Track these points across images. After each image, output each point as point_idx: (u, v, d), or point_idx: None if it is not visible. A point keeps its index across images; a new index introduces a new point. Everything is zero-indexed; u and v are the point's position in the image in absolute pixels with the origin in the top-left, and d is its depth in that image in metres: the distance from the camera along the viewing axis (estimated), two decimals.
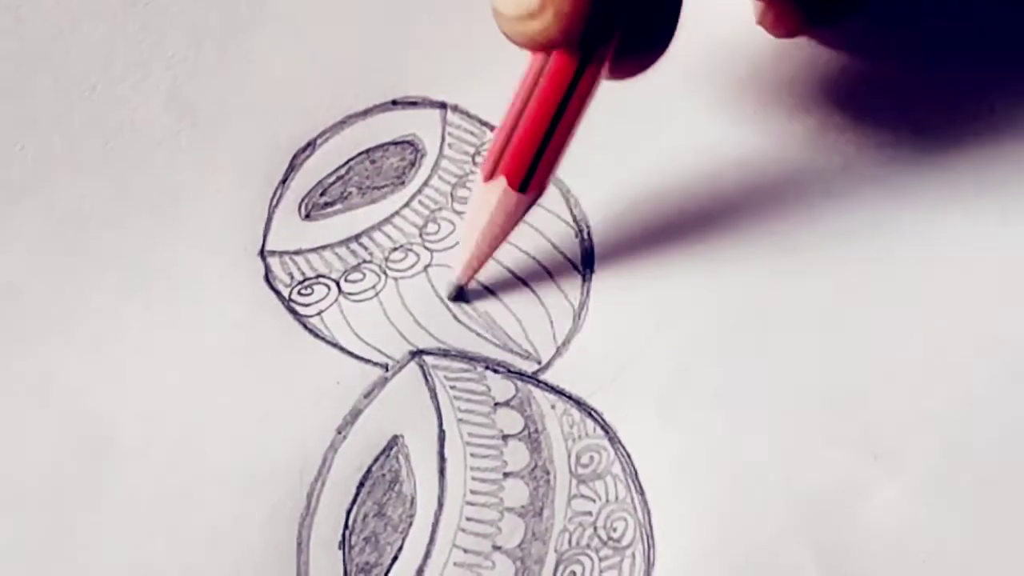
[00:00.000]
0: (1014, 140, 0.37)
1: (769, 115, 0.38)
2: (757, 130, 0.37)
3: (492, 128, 0.37)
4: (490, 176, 0.33)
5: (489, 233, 0.34)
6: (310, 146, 0.37)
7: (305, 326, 0.35)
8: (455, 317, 0.36)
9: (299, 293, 0.36)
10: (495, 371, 0.35)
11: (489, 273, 0.36)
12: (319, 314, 0.35)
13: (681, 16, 0.31)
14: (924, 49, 0.38)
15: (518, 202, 0.33)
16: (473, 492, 0.34)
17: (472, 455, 0.34)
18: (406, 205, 0.37)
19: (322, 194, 0.37)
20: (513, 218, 0.34)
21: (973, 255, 0.36)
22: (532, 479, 0.34)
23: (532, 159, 0.32)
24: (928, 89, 0.38)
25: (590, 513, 0.34)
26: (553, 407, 0.35)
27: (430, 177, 0.37)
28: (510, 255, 0.36)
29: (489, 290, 0.36)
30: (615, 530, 0.34)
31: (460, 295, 0.36)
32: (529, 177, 0.33)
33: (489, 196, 0.33)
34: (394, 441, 0.34)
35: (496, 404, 0.35)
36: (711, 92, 0.38)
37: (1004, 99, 0.38)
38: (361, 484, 0.34)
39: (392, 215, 0.37)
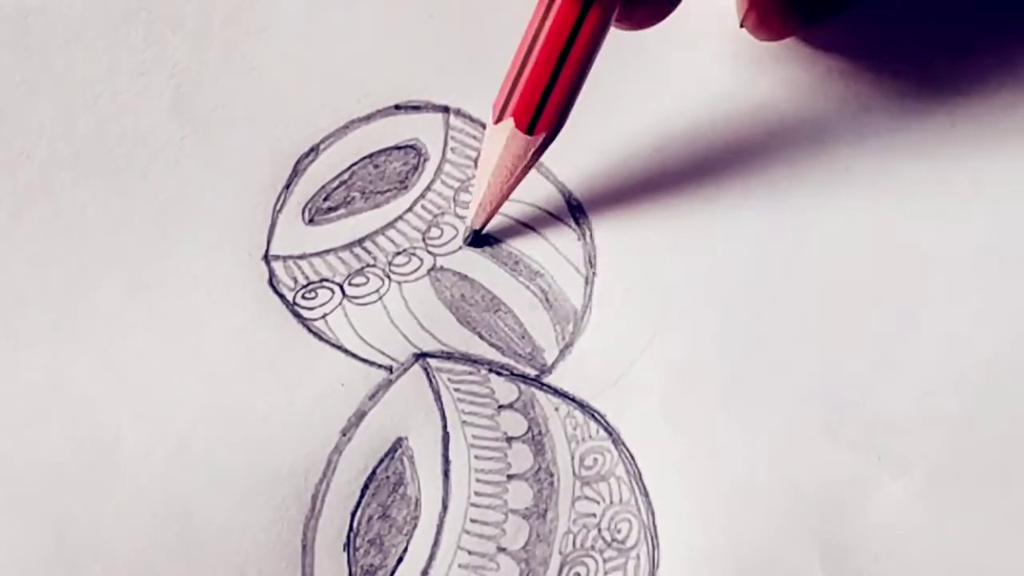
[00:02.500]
0: (1011, 133, 0.37)
1: (766, 116, 0.38)
2: (755, 132, 0.38)
3: None
4: (499, 118, 0.33)
5: (500, 175, 0.34)
6: (313, 151, 0.37)
7: (309, 329, 0.35)
8: (459, 320, 0.36)
9: (303, 297, 0.36)
10: (499, 373, 0.35)
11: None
12: (323, 317, 0.36)
13: None
14: (908, 49, 0.38)
15: (527, 143, 0.33)
16: (477, 494, 0.34)
17: (476, 457, 0.34)
18: (409, 209, 0.37)
19: (325, 199, 0.37)
20: (523, 160, 0.34)
21: (976, 255, 0.36)
22: (536, 481, 0.34)
23: (539, 100, 0.32)
24: (917, 85, 0.38)
25: (594, 515, 0.34)
26: (556, 409, 0.35)
27: (433, 181, 0.37)
28: (512, 257, 0.36)
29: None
30: (619, 532, 0.34)
31: (475, 240, 0.36)
32: (537, 118, 0.33)
33: (498, 138, 0.33)
34: (398, 443, 0.34)
35: (500, 406, 0.35)
36: (706, 94, 0.38)
37: (994, 88, 0.38)
38: (366, 486, 0.34)
39: (395, 219, 0.37)
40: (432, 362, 0.35)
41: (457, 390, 0.35)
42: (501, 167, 0.34)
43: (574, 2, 0.31)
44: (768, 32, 0.37)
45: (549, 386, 0.35)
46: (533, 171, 0.37)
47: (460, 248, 0.36)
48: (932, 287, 0.36)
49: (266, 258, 0.36)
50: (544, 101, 0.32)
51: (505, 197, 0.35)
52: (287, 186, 0.37)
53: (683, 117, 0.38)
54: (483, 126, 0.37)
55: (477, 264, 0.36)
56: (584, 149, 0.37)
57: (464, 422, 0.35)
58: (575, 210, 0.37)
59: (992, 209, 0.37)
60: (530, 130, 0.33)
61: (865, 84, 0.38)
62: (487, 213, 0.35)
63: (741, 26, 0.37)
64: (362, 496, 0.34)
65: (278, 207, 0.37)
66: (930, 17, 0.38)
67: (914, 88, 0.38)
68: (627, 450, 0.34)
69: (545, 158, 0.37)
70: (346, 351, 0.35)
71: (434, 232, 0.37)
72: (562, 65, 0.32)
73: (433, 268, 0.36)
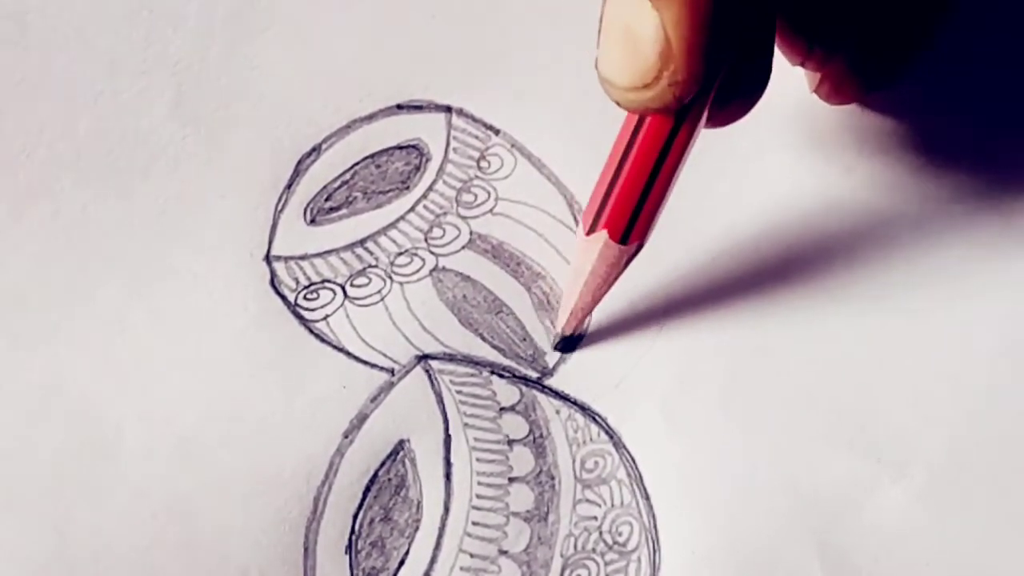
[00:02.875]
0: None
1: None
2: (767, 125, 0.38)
3: (497, 132, 0.37)
4: (591, 230, 0.33)
5: (592, 284, 0.34)
6: (315, 151, 0.37)
7: (311, 331, 0.35)
8: (461, 322, 0.36)
9: (305, 298, 0.36)
10: (500, 376, 0.35)
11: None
12: (325, 319, 0.36)
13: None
14: (977, 102, 0.38)
15: (619, 253, 0.33)
16: (479, 497, 0.34)
17: (478, 460, 0.34)
18: (411, 210, 0.37)
19: (327, 199, 0.37)
20: (615, 269, 0.34)
21: (976, 256, 0.36)
22: (537, 484, 0.34)
23: (632, 212, 0.32)
24: (986, 141, 0.38)
25: (595, 518, 0.34)
26: (558, 412, 0.35)
27: (435, 182, 0.37)
28: (514, 258, 0.36)
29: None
30: (620, 534, 0.34)
31: (565, 345, 0.36)
32: (630, 229, 0.33)
33: (591, 248, 0.33)
34: (400, 446, 0.34)
35: (502, 409, 0.35)
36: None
37: None
38: (368, 489, 0.34)
39: (397, 220, 0.37)
40: (434, 364, 0.35)
41: (459, 392, 0.35)
42: (594, 276, 0.34)
43: (665, 120, 0.31)
44: (841, 98, 0.37)
45: (550, 389, 0.35)
46: (536, 173, 0.37)
47: (462, 249, 0.36)
48: (932, 288, 0.36)
49: (267, 258, 0.36)
50: (637, 212, 0.32)
51: (597, 302, 0.35)
52: (289, 186, 0.37)
53: None
54: (486, 126, 0.37)
55: (479, 265, 0.36)
56: (587, 152, 0.37)
57: (466, 424, 0.35)
58: (577, 213, 0.37)
59: (994, 209, 0.37)
60: (623, 240, 0.33)
61: (932, 142, 0.38)
62: (577, 320, 0.35)
63: (813, 92, 0.37)
64: (364, 498, 0.34)
65: (280, 207, 0.36)
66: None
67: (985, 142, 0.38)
68: (628, 453, 0.35)
69: (549, 161, 0.37)
70: (348, 353, 0.35)
71: (436, 232, 0.37)
72: (655, 178, 0.32)
73: (435, 269, 0.36)
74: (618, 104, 0.30)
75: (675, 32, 0.28)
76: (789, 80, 0.36)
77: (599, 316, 0.36)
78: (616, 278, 0.34)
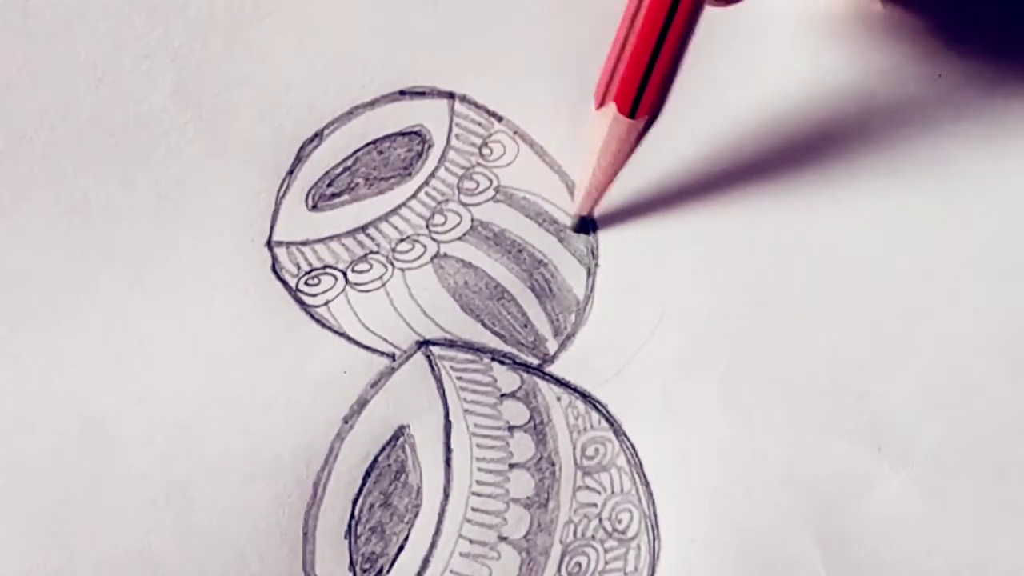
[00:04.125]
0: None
1: (771, 105, 0.38)
2: (754, 127, 0.37)
3: (500, 119, 0.37)
4: (601, 103, 0.33)
5: (604, 160, 0.34)
6: (317, 137, 0.37)
7: (312, 316, 0.35)
8: (462, 308, 0.36)
9: (306, 283, 0.36)
10: (501, 362, 0.35)
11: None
12: (326, 304, 0.36)
13: None
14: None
15: (629, 127, 0.33)
16: (479, 483, 0.34)
17: (478, 446, 0.34)
18: (413, 196, 0.37)
19: (329, 185, 0.37)
20: (626, 144, 0.33)
21: (978, 249, 0.36)
22: (538, 470, 0.34)
23: (639, 84, 0.32)
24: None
25: (595, 505, 0.34)
26: (559, 399, 0.35)
27: (437, 168, 0.37)
28: (515, 246, 0.36)
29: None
30: (620, 522, 0.34)
31: (582, 225, 0.36)
32: (638, 102, 0.33)
33: (601, 122, 0.33)
34: (400, 431, 0.34)
35: (502, 395, 0.35)
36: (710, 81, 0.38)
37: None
38: (367, 474, 0.34)
39: (399, 206, 0.37)
40: (435, 350, 0.35)
41: (460, 378, 0.35)
42: (605, 151, 0.34)
43: None
44: None
45: (551, 376, 0.35)
46: (538, 161, 0.37)
47: (464, 236, 0.36)
48: (933, 279, 0.36)
49: (269, 244, 0.36)
50: (644, 85, 0.32)
51: (610, 181, 0.35)
52: (291, 172, 0.37)
53: (688, 110, 0.37)
54: (488, 112, 0.37)
55: (480, 252, 0.36)
56: None
57: (466, 411, 0.35)
58: None
59: (996, 204, 0.37)
60: (632, 114, 0.33)
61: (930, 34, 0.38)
62: (593, 199, 0.35)
63: None
64: (364, 484, 0.34)
65: (281, 193, 0.36)
66: None
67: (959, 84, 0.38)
68: (628, 440, 0.35)
69: (551, 149, 0.37)
70: (348, 338, 0.35)
71: (438, 219, 0.36)
72: (660, 49, 0.32)
73: (436, 255, 0.36)
74: None
75: None
76: None
77: (601, 303, 0.36)
78: (628, 155, 0.34)
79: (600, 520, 0.34)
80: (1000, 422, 0.35)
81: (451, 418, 0.35)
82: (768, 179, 0.37)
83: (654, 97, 0.33)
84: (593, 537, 0.34)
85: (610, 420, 0.35)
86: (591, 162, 0.34)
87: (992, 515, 0.34)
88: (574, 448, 0.34)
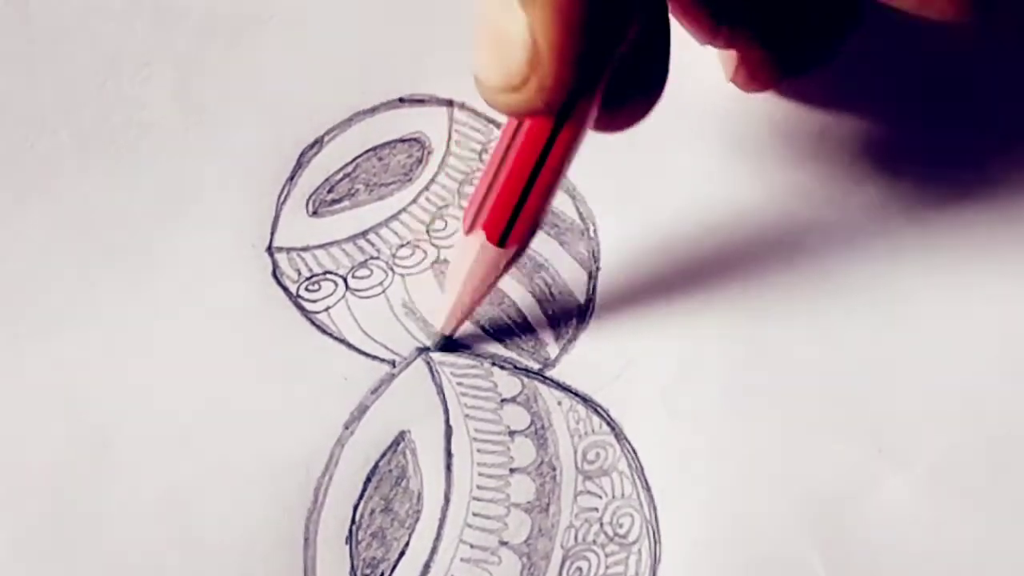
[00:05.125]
0: (998, 163, 0.38)
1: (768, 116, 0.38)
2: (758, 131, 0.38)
3: (499, 126, 0.37)
4: (470, 228, 0.32)
5: (470, 284, 0.33)
6: (317, 143, 0.37)
7: (312, 322, 0.35)
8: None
9: (306, 289, 0.36)
10: (502, 367, 0.35)
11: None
12: (326, 310, 0.36)
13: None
14: (894, 94, 0.38)
15: (498, 255, 0.32)
16: (480, 488, 0.34)
17: (479, 451, 0.34)
18: (413, 202, 0.37)
19: (329, 191, 0.37)
20: (493, 271, 0.33)
21: (977, 251, 0.36)
22: (538, 475, 0.34)
23: (511, 215, 0.32)
24: (902, 131, 0.38)
25: (596, 509, 0.34)
26: (559, 403, 0.35)
27: (437, 174, 0.37)
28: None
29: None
30: (621, 526, 0.34)
31: (446, 345, 0.35)
32: (508, 231, 0.32)
33: (470, 248, 0.33)
34: (401, 437, 0.34)
35: (503, 400, 0.35)
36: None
37: (980, 140, 0.38)
38: (368, 480, 0.34)
39: (399, 212, 0.37)
40: (435, 356, 0.35)
41: (460, 384, 0.35)
42: (472, 276, 0.33)
43: (546, 122, 0.30)
44: (757, 85, 0.37)
45: (552, 380, 0.35)
46: None
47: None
48: (933, 281, 0.36)
49: (270, 250, 0.36)
50: (516, 215, 0.32)
51: (476, 304, 0.34)
52: (291, 178, 0.37)
53: (685, 118, 0.38)
54: (487, 119, 0.37)
55: None
56: (589, 145, 0.37)
57: (467, 416, 0.35)
58: (579, 204, 0.37)
59: (995, 206, 0.37)
60: (501, 243, 0.32)
61: (845, 129, 0.38)
62: (457, 320, 0.35)
63: (730, 80, 0.37)
64: (364, 489, 0.34)
65: (282, 199, 0.36)
66: (908, 64, 0.39)
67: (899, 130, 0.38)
68: (629, 444, 0.35)
69: None
70: (349, 344, 0.35)
71: (438, 225, 0.37)
72: (534, 180, 0.31)
73: (437, 261, 0.36)
74: (489, 104, 0.29)
75: (543, 35, 0.27)
76: (706, 69, 0.37)
77: (601, 307, 0.36)
78: (496, 280, 0.33)
79: (601, 524, 0.34)
80: (1000, 424, 0.35)
81: (452, 423, 0.35)
82: (769, 179, 0.37)
83: (525, 230, 0.32)
84: (594, 542, 0.34)
85: (611, 424, 0.35)
86: (457, 284, 0.33)
87: (992, 517, 0.34)
88: (575, 452, 0.34)
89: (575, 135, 0.30)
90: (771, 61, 0.36)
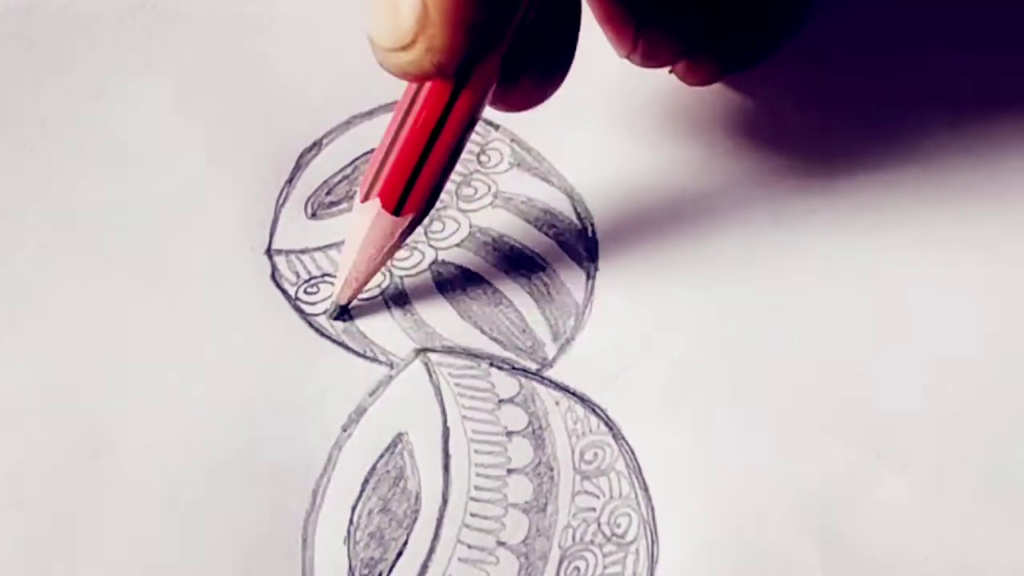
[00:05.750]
0: (998, 162, 0.38)
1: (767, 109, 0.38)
2: (756, 129, 0.38)
3: (496, 127, 0.38)
4: (366, 197, 0.32)
5: (366, 253, 0.33)
6: (316, 146, 0.37)
7: (311, 324, 0.36)
8: (460, 314, 0.36)
9: (305, 292, 0.36)
10: (499, 368, 0.35)
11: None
12: (325, 312, 0.36)
13: (577, 52, 0.31)
14: (835, 89, 0.38)
15: (393, 224, 0.32)
16: (477, 488, 0.34)
17: (476, 451, 0.34)
18: None
19: (328, 193, 0.37)
20: (390, 239, 0.33)
21: (977, 251, 0.36)
22: (536, 475, 0.34)
23: (406, 183, 0.32)
24: (842, 126, 0.38)
25: (594, 509, 0.34)
26: (557, 404, 0.35)
27: None
28: (514, 251, 0.36)
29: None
30: (619, 526, 0.34)
31: (341, 314, 0.35)
32: (404, 200, 0.32)
33: (365, 217, 0.33)
34: (399, 438, 0.34)
35: (500, 401, 0.35)
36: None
37: (919, 129, 0.38)
38: (366, 481, 0.34)
39: None
40: (433, 357, 0.35)
41: (457, 385, 0.35)
42: (367, 245, 0.33)
43: (443, 88, 0.30)
44: (698, 78, 0.37)
45: (550, 380, 0.35)
46: (535, 167, 0.37)
47: (462, 242, 0.36)
48: (933, 282, 0.36)
49: (268, 252, 0.36)
50: (412, 183, 0.32)
51: (372, 275, 0.34)
52: (290, 180, 0.37)
53: (686, 117, 0.38)
54: (486, 122, 0.38)
55: (478, 258, 0.36)
56: (586, 144, 0.37)
57: (464, 416, 0.35)
58: (577, 204, 0.37)
59: (992, 207, 0.37)
60: (397, 211, 0.32)
61: (790, 123, 0.38)
62: (352, 290, 0.35)
63: (670, 72, 0.37)
64: (362, 490, 0.34)
65: (281, 201, 0.37)
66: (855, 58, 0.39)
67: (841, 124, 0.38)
68: (627, 445, 0.34)
69: (547, 153, 0.37)
70: (347, 347, 0.35)
71: (436, 226, 0.37)
72: (431, 147, 0.31)
73: (435, 262, 0.36)
74: (381, 66, 0.29)
75: None
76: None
77: (600, 307, 0.36)
78: (393, 250, 0.33)
79: (599, 524, 0.34)
80: (999, 426, 0.35)
81: (449, 424, 0.35)
82: (769, 181, 0.37)
83: (421, 198, 0.32)
84: (592, 542, 0.34)
85: (609, 424, 0.35)
86: (353, 253, 0.33)
87: (991, 519, 0.34)
88: (573, 452, 0.34)
89: (473, 103, 0.30)
90: (713, 56, 0.36)
